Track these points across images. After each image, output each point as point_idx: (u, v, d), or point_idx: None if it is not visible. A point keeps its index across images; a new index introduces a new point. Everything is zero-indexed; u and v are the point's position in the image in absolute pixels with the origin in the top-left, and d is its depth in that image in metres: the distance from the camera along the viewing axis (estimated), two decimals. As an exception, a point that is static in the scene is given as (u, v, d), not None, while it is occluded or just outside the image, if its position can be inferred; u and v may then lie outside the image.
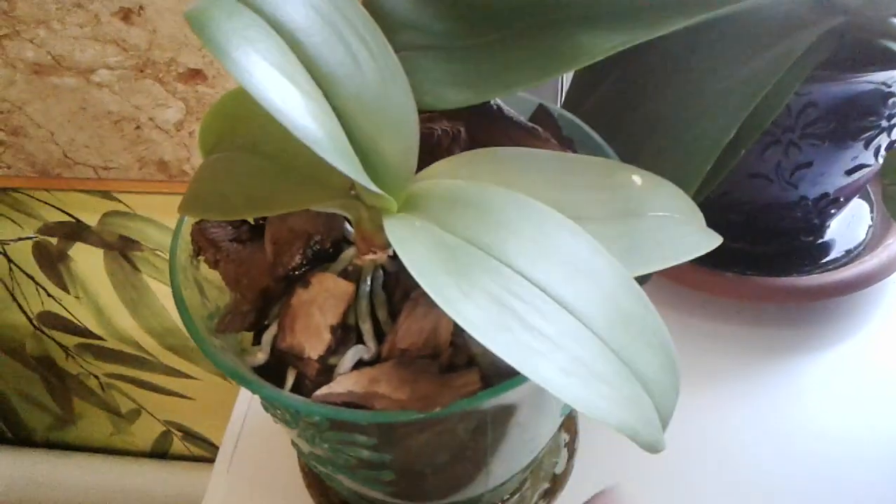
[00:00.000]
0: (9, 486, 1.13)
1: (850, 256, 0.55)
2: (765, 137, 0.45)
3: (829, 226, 0.56)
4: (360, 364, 0.30)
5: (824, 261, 0.55)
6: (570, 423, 0.49)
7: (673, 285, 0.54)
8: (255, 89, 0.23)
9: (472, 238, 0.27)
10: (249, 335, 0.35)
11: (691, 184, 0.37)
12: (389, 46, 0.28)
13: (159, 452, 1.10)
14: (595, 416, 0.24)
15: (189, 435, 1.06)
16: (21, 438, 1.15)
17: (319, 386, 0.29)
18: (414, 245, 0.27)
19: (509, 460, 0.38)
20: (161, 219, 0.79)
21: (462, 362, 0.30)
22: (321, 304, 0.30)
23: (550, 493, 0.46)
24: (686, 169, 0.37)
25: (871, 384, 0.50)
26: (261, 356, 0.31)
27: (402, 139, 0.28)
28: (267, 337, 0.32)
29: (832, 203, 0.51)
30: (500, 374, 0.29)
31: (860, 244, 0.56)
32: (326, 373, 0.30)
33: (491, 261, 0.26)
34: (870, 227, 0.57)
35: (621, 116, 0.41)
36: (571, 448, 0.48)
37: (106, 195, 0.76)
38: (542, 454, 0.46)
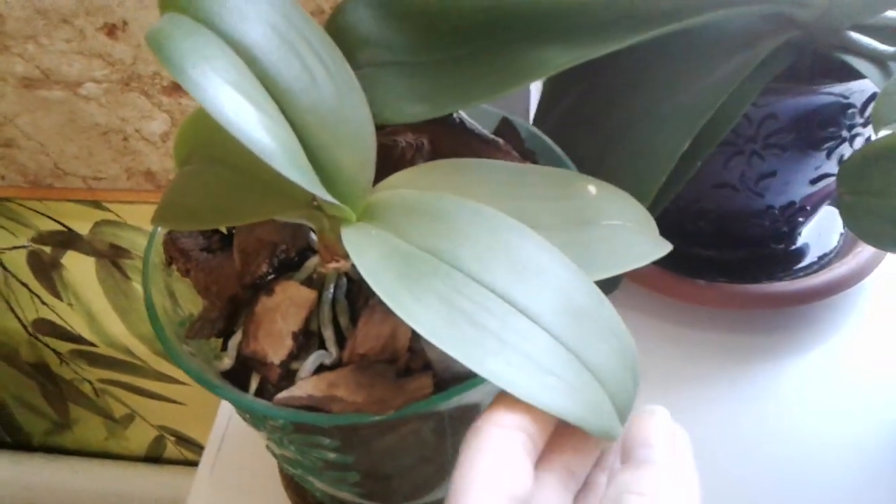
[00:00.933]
0: (7, 490, 1.14)
1: (822, 263, 0.56)
2: (728, 148, 0.46)
3: (800, 233, 0.57)
4: (321, 369, 0.31)
5: (796, 267, 0.56)
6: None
7: (646, 291, 0.55)
8: (211, 105, 0.25)
9: (426, 245, 0.28)
10: (220, 342, 0.36)
11: (648, 194, 0.38)
12: (346, 63, 0.30)
13: (153, 457, 1.11)
14: (542, 408, 0.25)
15: (182, 439, 1.07)
16: (19, 443, 1.16)
17: (281, 390, 0.30)
18: (369, 252, 0.28)
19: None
20: (150, 228, 0.80)
21: (419, 367, 0.31)
22: (284, 311, 0.32)
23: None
24: (643, 179, 0.38)
25: (844, 389, 0.51)
26: (227, 361, 0.32)
27: (359, 151, 0.30)
28: (233, 343, 0.33)
29: (799, 211, 0.52)
30: (454, 378, 0.30)
31: (832, 251, 0.57)
32: (288, 377, 0.31)
33: (442, 266, 0.27)
34: (841, 234, 0.58)
35: (584, 129, 0.42)
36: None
37: (96, 205, 0.77)
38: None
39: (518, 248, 0.28)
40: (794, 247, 0.57)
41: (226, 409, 0.55)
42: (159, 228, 0.36)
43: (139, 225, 0.79)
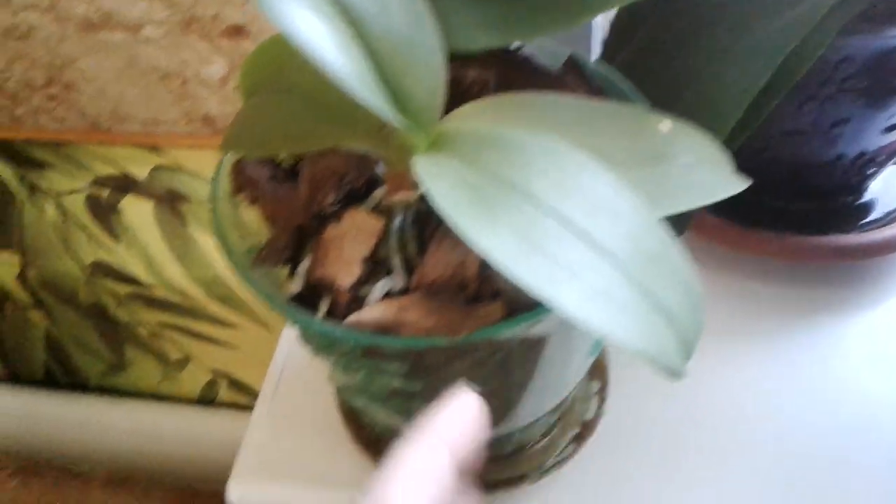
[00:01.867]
0: (62, 429, 1.18)
1: (890, 217, 0.55)
2: (801, 92, 0.45)
3: (867, 186, 0.56)
4: (389, 296, 0.31)
5: (863, 221, 0.55)
6: (600, 371, 0.50)
7: (709, 244, 0.54)
8: (287, 28, 0.25)
9: (498, 175, 0.28)
10: (285, 274, 0.36)
11: (721, 133, 0.37)
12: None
13: (206, 400, 1.13)
14: (613, 340, 0.25)
15: (234, 383, 1.09)
16: (75, 383, 1.19)
17: (350, 314, 0.30)
18: (439, 181, 0.28)
19: (538, 398, 0.39)
20: (207, 173, 0.81)
21: (488, 295, 0.31)
22: (352, 238, 0.32)
23: (580, 437, 0.47)
24: (717, 120, 0.38)
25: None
26: (295, 286, 0.33)
27: (431, 79, 0.29)
28: (301, 269, 0.33)
29: (870, 162, 0.51)
30: (524, 308, 0.30)
31: (900, 205, 0.56)
32: (357, 302, 0.31)
33: (514, 196, 0.27)
34: (910, 187, 0.57)
35: (654, 69, 0.41)
36: (602, 396, 0.49)
37: (154, 150, 0.78)
38: (572, 400, 0.47)
39: (592, 185, 0.28)
40: (861, 200, 0.56)
41: (282, 349, 0.56)
42: (227, 156, 0.36)
43: (196, 170, 0.80)
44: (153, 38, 0.65)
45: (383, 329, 0.30)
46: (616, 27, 0.45)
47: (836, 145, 0.49)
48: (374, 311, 0.30)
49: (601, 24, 0.53)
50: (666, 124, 0.33)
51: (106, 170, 0.82)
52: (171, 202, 0.84)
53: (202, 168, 0.80)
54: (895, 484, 0.44)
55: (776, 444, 0.47)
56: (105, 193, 0.86)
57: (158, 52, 0.66)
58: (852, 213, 0.55)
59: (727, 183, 0.32)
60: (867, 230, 0.54)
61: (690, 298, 0.28)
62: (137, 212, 0.86)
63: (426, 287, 0.31)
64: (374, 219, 0.32)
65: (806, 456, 0.46)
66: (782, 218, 0.54)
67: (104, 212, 0.88)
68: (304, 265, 0.33)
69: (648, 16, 0.42)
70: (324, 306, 0.32)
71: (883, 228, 0.53)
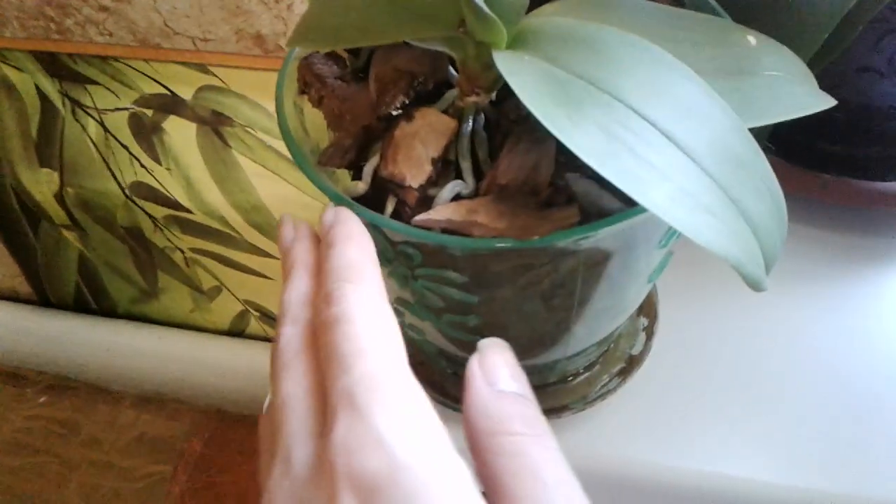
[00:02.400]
0: (92, 354, 1.19)
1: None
2: (880, 25, 0.44)
3: (936, 134, 0.54)
4: (458, 199, 0.31)
5: (925, 171, 0.53)
6: (649, 307, 0.49)
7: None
8: None
9: (583, 73, 0.27)
10: (346, 179, 0.35)
11: (804, 56, 0.36)
12: None
13: (236, 331, 1.14)
14: (702, 242, 0.24)
15: (266, 316, 1.10)
16: (105, 309, 1.20)
17: (418, 214, 0.29)
18: (524, 76, 0.27)
19: (593, 324, 0.39)
20: (254, 96, 0.80)
21: (562, 202, 0.30)
22: (423, 137, 0.31)
23: (625, 371, 0.46)
24: (801, 40, 0.36)
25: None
26: (361, 186, 0.32)
27: (519, -29, 0.28)
28: (368, 169, 0.32)
29: (944, 107, 0.49)
30: (598, 216, 0.29)
31: (967, 157, 0.54)
32: (426, 203, 0.30)
33: (602, 95, 0.26)
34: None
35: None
36: (650, 332, 0.48)
37: (202, 69, 0.77)
38: (619, 334, 0.47)
39: (680, 88, 0.27)
40: (924, 150, 0.54)
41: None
42: (295, 52, 0.35)
43: (243, 92, 0.79)
44: (208, -50, 0.64)
45: (453, 230, 0.29)
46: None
47: (911, 87, 0.47)
48: (444, 210, 0.29)
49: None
50: (753, 37, 0.32)
51: (151, 88, 0.82)
52: (214, 124, 0.83)
53: (249, 90, 0.79)
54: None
55: (822, 386, 0.46)
56: (149, 113, 0.85)
57: (213, -37, 0.65)
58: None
59: (814, 98, 0.31)
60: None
61: (775, 209, 0.27)
62: (181, 133, 0.86)
63: (498, 190, 0.30)
64: (447, 118, 0.31)
65: (850, 398, 0.45)
66: (843, 162, 0.53)
67: (147, 132, 0.87)
68: (371, 164, 0.32)
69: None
70: (390, 206, 0.31)
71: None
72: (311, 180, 0.31)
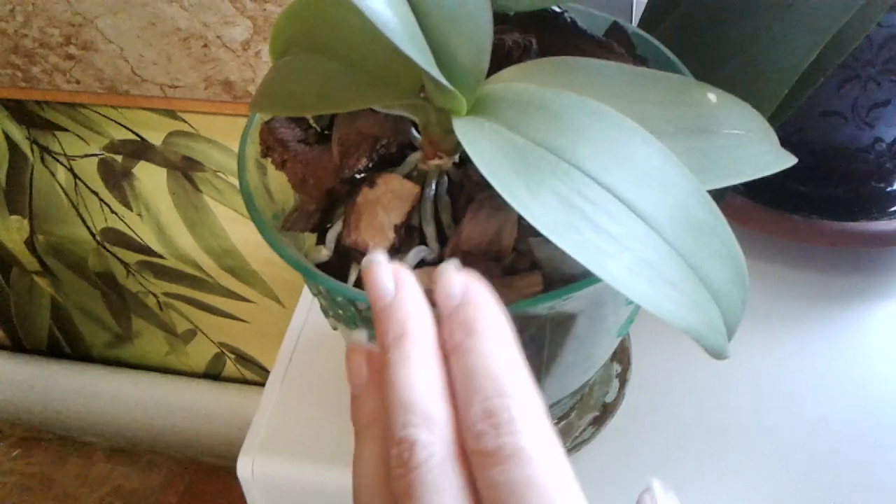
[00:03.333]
0: (66, 399, 1.17)
1: (921, 205, 0.54)
2: (843, 72, 0.44)
3: (900, 173, 0.55)
4: (422, 264, 0.30)
5: (893, 209, 0.54)
6: (622, 354, 0.49)
7: (737, 226, 0.53)
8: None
9: (542, 141, 0.27)
10: (312, 240, 0.35)
11: (766, 109, 0.36)
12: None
13: (212, 374, 1.13)
14: (661, 315, 0.24)
15: (242, 358, 1.09)
16: (80, 354, 1.18)
17: (382, 283, 0.29)
18: (483, 144, 0.27)
19: (563, 379, 0.38)
20: (224, 141, 0.80)
21: (524, 267, 0.30)
22: (386, 203, 0.31)
23: (599, 420, 0.46)
24: (762, 94, 0.36)
25: (937, 333, 0.49)
26: (325, 253, 0.32)
27: (476, 40, 0.28)
28: (331, 235, 0.32)
29: (907, 147, 0.49)
30: (562, 281, 0.29)
31: (932, 193, 0.55)
32: (389, 271, 0.30)
33: (560, 163, 0.26)
34: (943, 176, 0.55)
35: (697, 40, 0.40)
36: (623, 378, 0.48)
37: (171, 114, 0.77)
38: (593, 382, 0.47)
39: (639, 153, 0.27)
40: (892, 187, 0.55)
41: (297, 324, 0.55)
42: (256, 117, 0.35)
43: (213, 137, 0.79)
44: (176, -1, 0.64)
45: (417, 298, 0.29)
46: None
47: (874, 128, 0.48)
48: (407, 278, 0.29)
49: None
50: (713, 95, 0.32)
51: (121, 134, 0.81)
52: (185, 169, 0.83)
53: (219, 135, 0.79)
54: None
55: (801, 431, 0.46)
56: (119, 158, 0.84)
57: (181, 12, 0.65)
58: (882, 199, 0.54)
59: (775, 157, 0.31)
60: (896, 218, 0.53)
61: (736, 274, 0.27)
62: (151, 178, 0.85)
63: (461, 256, 0.30)
64: (410, 184, 0.31)
65: (831, 442, 0.45)
66: (810, 202, 0.53)
67: (117, 177, 0.86)
68: (335, 230, 0.32)
69: (691, -13, 0.41)
70: (354, 273, 0.31)
71: (913, 217, 0.52)
72: (273, 248, 0.31)
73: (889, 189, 0.54)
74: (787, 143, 0.50)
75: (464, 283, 0.23)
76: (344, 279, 0.31)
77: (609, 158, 0.26)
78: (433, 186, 0.32)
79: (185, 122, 0.78)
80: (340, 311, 0.33)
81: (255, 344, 1.05)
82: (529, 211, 0.25)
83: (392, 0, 0.25)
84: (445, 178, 0.33)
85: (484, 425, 0.21)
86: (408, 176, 0.33)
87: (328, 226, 0.34)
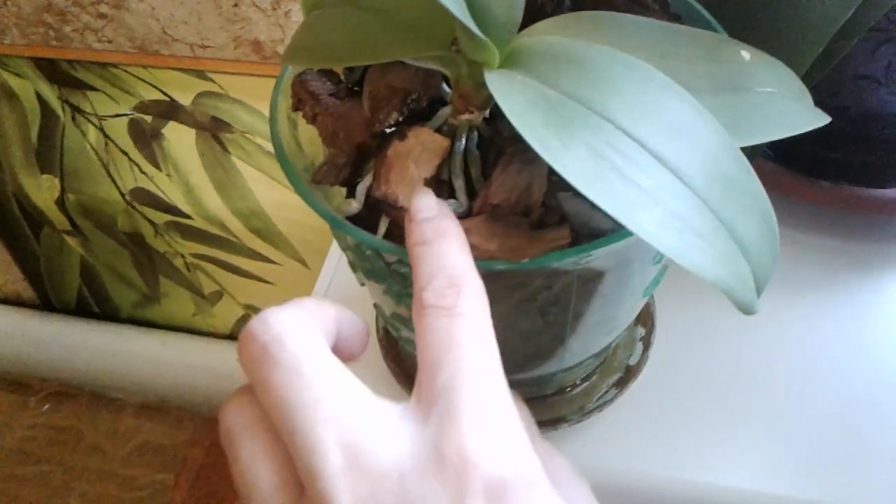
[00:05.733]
0: (93, 357, 1.19)
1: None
2: (877, 34, 0.43)
3: (933, 140, 0.54)
4: (451, 218, 0.31)
5: (924, 176, 0.53)
6: (646, 317, 0.49)
7: (767, 192, 0.52)
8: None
9: (574, 93, 0.27)
10: (341, 194, 0.35)
11: (800, 67, 0.36)
12: None
13: (237, 335, 1.14)
14: (690, 268, 0.24)
15: (267, 319, 1.09)
16: (106, 313, 1.20)
17: (411, 235, 0.29)
18: (515, 97, 0.27)
19: (588, 339, 0.39)
20: (252, 102, 0.80)
21: (553, 222, 0.30)
22: (416, 156, 0.31)
23: (622, 382, 0.46)
24: (795, 53, 0.36)
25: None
26: (355, 205, 0.32)
27: (509, -9, 0.28)
28: (361, 188, 0.32)
29: (942, 113, 0.49)
30: (590, 236, 0.29)
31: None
32: (418, 223, 0.30)
33: (592, 115, 0.26)
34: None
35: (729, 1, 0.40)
36: (647, 342, 0.48)
37: (200, 75, 0.77)
38: (617, 344, 0.47)
39: (671, 107, 0.27)
40: (923, 156, 0.54)
41: (323, 283, 0.55)
42: (288, 70, 0.35)
43: (241, 98, 0.79)
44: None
45: (445, 250, 0.29)
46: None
47: (909, 94, 0.47)
48: (436, 230, 0.29)
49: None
50: (746, 52, 0.32)
51: (150, 94, 0.82)
52: (214, 130, 0.83)
53: (248, 96, 0.79)
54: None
55: (821, 395, 0.46)
56: (148, 119, 0.85)
57: (212, -29, 0.65)
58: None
59: (808, 116, 0.31)
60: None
61: (766, 229, 0.27)
62: (180, 139, 0.86)
63: (490, 210, 0.30)
64: (440, 137, 0.31)
65: (850, 407, 0.45)
66: (842, 169, 0.53)
67: (146, 138, 0.87)
68: (365, 183, 0.32)
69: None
70: (383, 226, 0.31)
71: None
72: (305, 199, 0.31)
73: (920, 157, 0.54)
74: (820, 107, 0.50)
75: (440, 206, 0.28)
76: (374, 232, 0.31)
77: (641, 111, 0.26)
78: (463, 140, 0.32)
79: (215, 82, 0.78)
80: (369, 265, 0.33)
81: (281, 305, 1.06)
82: (560, 162, 0.25)
83: (427, -50, 0.25)
84: (476, 133, 0.33)
85: (447, 290, 0.26)
86: (438, 130, 0.33)
87: (358, 180, 0.34)
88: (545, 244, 0.28)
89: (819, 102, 0.49)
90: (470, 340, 0.25)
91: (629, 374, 0.47)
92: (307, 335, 0.25)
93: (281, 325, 0.25)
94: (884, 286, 0.51)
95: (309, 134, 0.36)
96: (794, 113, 0.31)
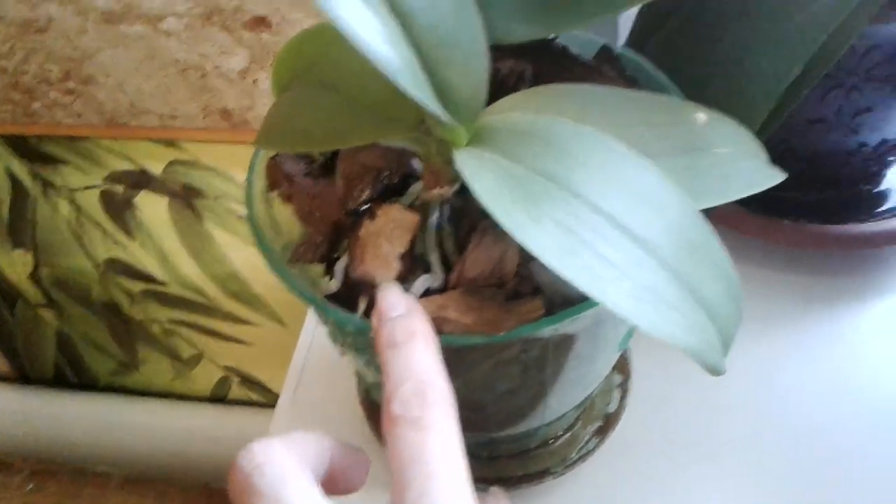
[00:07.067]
0: (73, 428, 1.17)
1: (907, 206, 0.55)
2: (827, 81, 0.45)
3: (886, 175, 0.56)
4: (427, 293, 0.31)
5: (880, 209, 0.54)
6: (623, 364, 0.50)
7: (728, 232, 0.54)
8: (339, 21, 0.25)
9: (540, 169, 0.28)
10: (319, 271, 0.36)
11: (753, 124, 0.37)
12: (462, -19, 0.29)
13: (218, 397, 1.13)
14: (661, 338, 0.25)
15: (247, 380, 1.09)
16: (85, 383, 1.19)
17: (391, 311, 0.30)
18: (483, 175, 0.28)
19: (566, 394, 0.39)
20: (224, 168, 0.81)
21: (527, 292, 0.31)
22: (389, 234, 0.32)
23: (602, 430, 0.47)
24: (749, 109, 0.37)
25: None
26: (334, 284, 0.33)
27: (474, 73, 0.29)
28: (339, 266, 0.33)
29: (892, 150, 0.51)
30: (563, 304, 0.30)
31: (917, 194, 0.56)
32: (397, 299, 0.31)
33: (558, 190, 0.27)
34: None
35: (682, 59, 0.41)
36: (624, 388, 0.49)
37: (171, 144, 0.78)
38: (595, 394, 0.47)
39: (634, 177, 0.28)
40: (878, 189, 0.56)
41: (304, 345, 0.56)
42: (261, 152, 0.36)
43: (213, 165, 0.80)
44: (174, 31, 0.65)
45: (424, 325, 0.30)
46: (643, 16, 0.44)
47: (859, 134, 0.49)
48: (415, 307, 0.30)
49: (627, 13, 0.53)
50: (702, 114, 0.33)
51: (121, 165, 0.82)
52: (186, 198, 0.84)
53: (219, 163, 0.80)
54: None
55: (797, 436, 0.47)
56: (120, 189, 0.86)
57: (178, 44, 0.66)
58: (869, 201, 0.55)
59: (766, 173, 0.32)
60: (884, 218, 0.54)
61: (730, 291, 0.28)
62: (152, 208, 0.86)
63: (466, 284, 0.31)
64: (409, 213, 0.32)
65: (827, 446, 0.46)
66: (800, 207, 0.54)
67: (119, 208, 0.87)
68: (342, 262, 0.33)
69: (677, 5, 0.42)
70: (363, 304, 0.32)
71: (897, 218, 0.53)
72: (283, 281, 0.32)
73: (875, 191, 0.55)
74: (774, 151, 0.51)
75: (408, 301, 0.29)
76: (353, 309, 0.32)
77: (604, 183, 0.27)
78: (435, 215, 0.33)
79: (185, 150, 0.79)
80: (350, 340, 0.34)
81: (260, 366, 1.06)
82: (531, 239, 0.26)
83: (392, 38, 0.26)
84: (448, 207, 0.34)
85: (414, 399, 0.27)
86: (411, 205, 0.34)
87: (336, 255, 0.35)
88: (520, 316, 0.29)
89: (774, 146, 0.51)
90: (435, 455, 0.26)
91: (608, 422, 0.47)
92: (289, 466, 0.26)
93: (264, 456, 0.26)
94: (849, 317, 0.51)
95: (285, 212, 0.37)
96: (752, 171, 0.32)
